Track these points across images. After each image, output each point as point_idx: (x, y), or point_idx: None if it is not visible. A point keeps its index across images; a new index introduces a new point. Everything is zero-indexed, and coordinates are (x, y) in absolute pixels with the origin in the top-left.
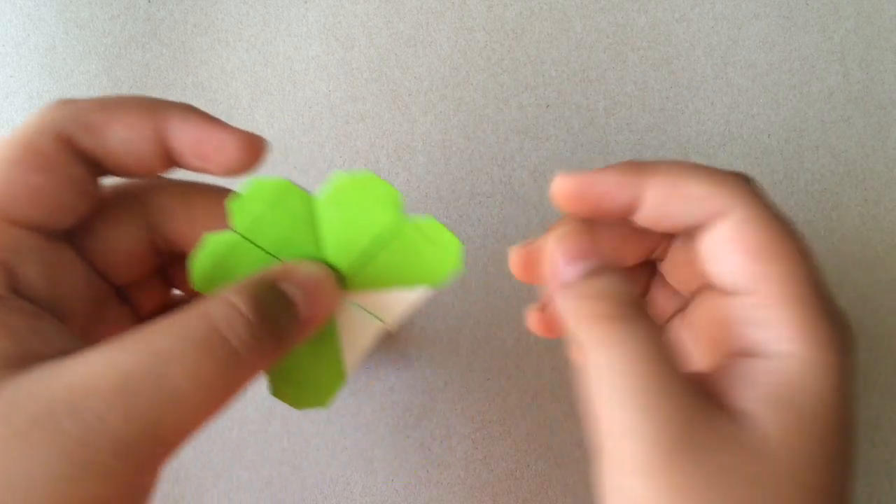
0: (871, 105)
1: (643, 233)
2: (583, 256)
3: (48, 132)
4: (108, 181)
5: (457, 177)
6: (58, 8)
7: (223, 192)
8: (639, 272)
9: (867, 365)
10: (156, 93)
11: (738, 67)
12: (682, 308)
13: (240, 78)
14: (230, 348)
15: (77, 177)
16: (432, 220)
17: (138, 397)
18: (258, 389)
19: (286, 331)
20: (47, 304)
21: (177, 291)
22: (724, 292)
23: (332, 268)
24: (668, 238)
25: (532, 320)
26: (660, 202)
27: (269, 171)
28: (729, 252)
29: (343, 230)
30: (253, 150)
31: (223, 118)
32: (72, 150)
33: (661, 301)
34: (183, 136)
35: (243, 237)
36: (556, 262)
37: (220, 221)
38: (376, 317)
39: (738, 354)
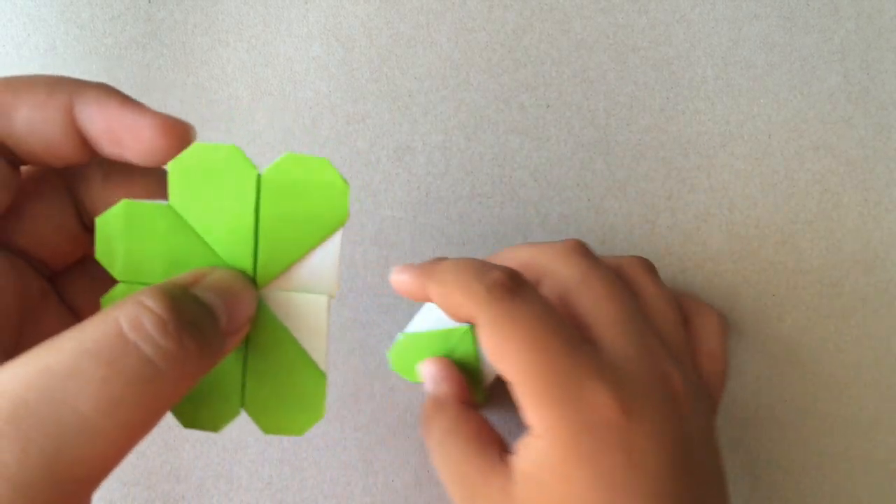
0: (871, 105)
1: None
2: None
3: None
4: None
5: (457, 177)
6: (58, 8)
7: (144, 171)
8: None
9: (867, 365)
10: (156, 93)
11: (739, 68)
12: None
13: (240, 78)
14: (141, 357)
15: None
16: (288, 156)
17: (34, 427)
18: None
19: (208, 338)
20: None
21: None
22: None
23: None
24: None
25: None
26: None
27: None
28: (488, 354)
29: (220, 224)
30: (173, 135)
31: (223, 119)
32: None
33: None
34: (94, 118)
35: (171, 208)
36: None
37: (139, 190)
38: (312, 292)
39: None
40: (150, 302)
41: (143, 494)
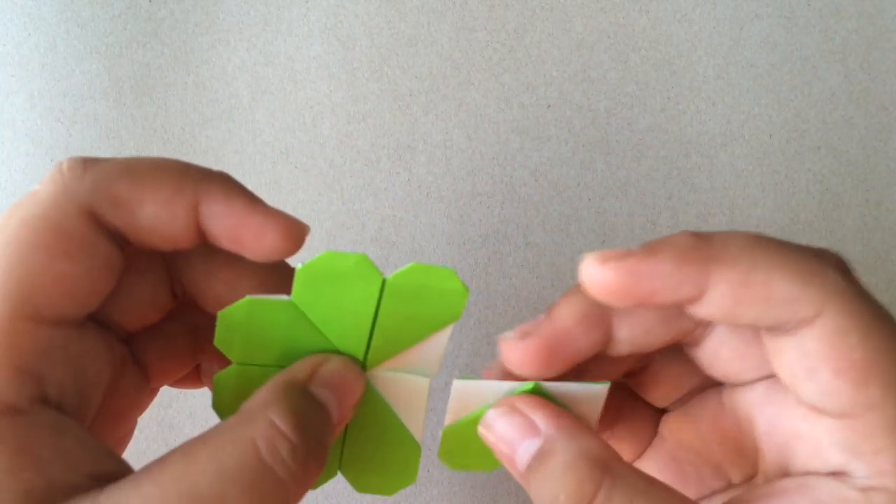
0: (872, 106)
1: (678, 316)
2: (529, 432)
3: (72, 208)
4: None
5: (457, 177)
6: (59, 7)
7: (239, 259)
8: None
9: None
10: (157, 93)
11: (740, 68)
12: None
13: (241, 77)
14: (277, 480)
15: (105, 257)
16: (415, 267)
17: None
18: None
19: (325, 444)
20: (73, 404)
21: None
22: (790, 404)
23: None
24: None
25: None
26: (729, 302)
27: (269, 171)
28: (816, 368)
29: (339, 320)
30: (293, 237)
31: (223, 118)
32: (98, 227)
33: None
34: (220, 219)
35: (297, 308)
36: (500, 446)
37: (240, 277)
38: (416, 373)
39: (797, 474)
40: (282, 424)
41: None
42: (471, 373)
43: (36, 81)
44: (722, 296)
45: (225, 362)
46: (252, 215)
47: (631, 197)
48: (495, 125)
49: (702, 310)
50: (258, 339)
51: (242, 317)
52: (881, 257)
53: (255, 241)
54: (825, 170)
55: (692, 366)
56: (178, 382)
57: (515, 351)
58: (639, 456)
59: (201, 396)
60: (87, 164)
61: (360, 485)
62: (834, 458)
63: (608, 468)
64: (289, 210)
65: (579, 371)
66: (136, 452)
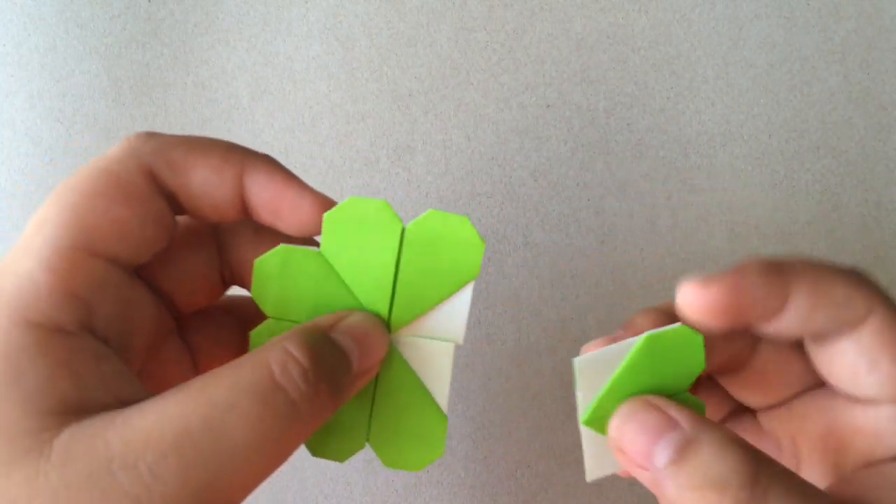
0: (871, 106)
1: (729, 338)
2: (663, 430)
3: (134, 165)
4: None
5: (457, 177)
6: (58, 7)
7: (287, 236)
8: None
9: None
10: (157, 92)
11: (739, 68)
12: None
13: (240, 77)
14: (287, 398)
15: (159, 212)
16: (431, 213)
17: (194, 452)
18: None
19: (341, 383)
20: (116, 342)
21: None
22: (852, 400)
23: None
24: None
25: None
26: (806, 310)
27: None
28: (877, 359)
29: (364, 272)
30: (325, 212)
31: (223, 118)
32: (155, 184)
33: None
34: (262, 189)
35: (321, 255)
36: (634, 450)
37: None
38: (441, 339)
39: (874, 464)
40: (296, 351)
41: None
42: (467, 370)
43: (36, 81)
44: (802, 302)
45: None
46: (290, 188)
47: (630, 197)
48: (494, 125)
49: (782, 321)
50: (290, 292)
51: (276, 265)
52: (881, 257)
53: (290, 213)
54: (824, 170)
55: (798, 366)
56: None
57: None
58: None
59: None
60: (151, 134)
61: (388, 458)
62: None
63: (758, 455)
64: None
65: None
66: None
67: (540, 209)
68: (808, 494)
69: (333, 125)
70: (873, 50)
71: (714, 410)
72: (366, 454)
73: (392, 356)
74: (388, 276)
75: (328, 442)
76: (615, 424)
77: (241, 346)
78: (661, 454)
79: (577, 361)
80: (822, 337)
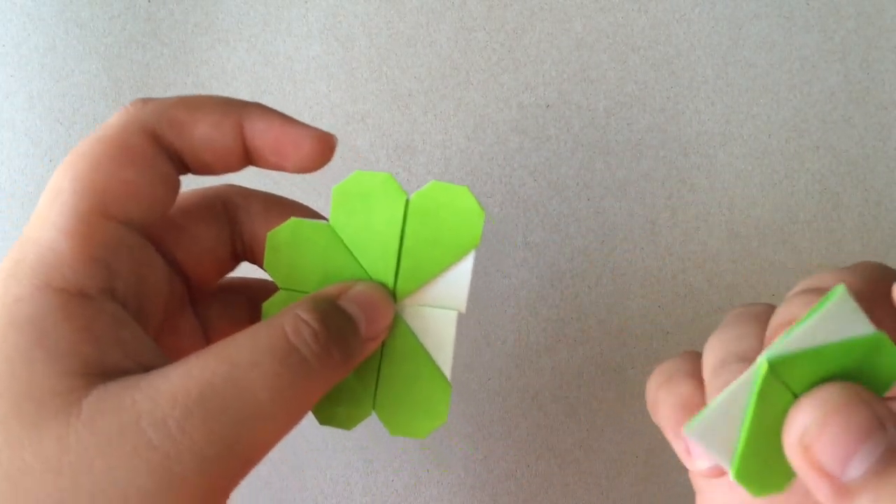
0: (871, 105)
1: None
2: (869, 432)
3: (136, 128)
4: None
5: (457, 177)
6: (58, 8)
7: (302, 207)
8: None
9: None
10: (156, 93)
11: (739, 67)
12: None
13: (240, 78)
14: (301, 357)
15: (165, 171)
16: (434, 184)
17: (220, 408)
18: None
19: (350, 347)
20: (134, 307)
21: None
22: None
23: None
24: None
25: (701, 472)
26: None
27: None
28: None
29: (370, 242)
30: (326, 146)
31: None
32: (159, 145)
33: None
34: (263, 134)
35: (330, 227)
36: (828, 453)
37: None
38: (444, 307)
39: None
40: (306, 315)
41: None
42: (467, 370)
43: (35, 82)
44: None
45: None
46: (290, 127)
47: (630, 197)
48: (494, 125)
49: None
50: (300, 263)
51: (287, 238)
52: (881, 257)
53: (294, 151)
54: (824, 169)
55: None
56: None
57: None
58: None
59: None
60: (146, 99)
61: (393, 426)
62: None
63: None
64: None
65: None
66: None
67: (540, 209)
68: None
69: (333, 125)
70: (873, 49)
71: None
72: (365, 452)
73: (397, 325)
74: (393, 247)
75: (336, 411)
76: (810, 419)
77: (252, 324)
78: (861, 461)
79: (691, 431)
80: None
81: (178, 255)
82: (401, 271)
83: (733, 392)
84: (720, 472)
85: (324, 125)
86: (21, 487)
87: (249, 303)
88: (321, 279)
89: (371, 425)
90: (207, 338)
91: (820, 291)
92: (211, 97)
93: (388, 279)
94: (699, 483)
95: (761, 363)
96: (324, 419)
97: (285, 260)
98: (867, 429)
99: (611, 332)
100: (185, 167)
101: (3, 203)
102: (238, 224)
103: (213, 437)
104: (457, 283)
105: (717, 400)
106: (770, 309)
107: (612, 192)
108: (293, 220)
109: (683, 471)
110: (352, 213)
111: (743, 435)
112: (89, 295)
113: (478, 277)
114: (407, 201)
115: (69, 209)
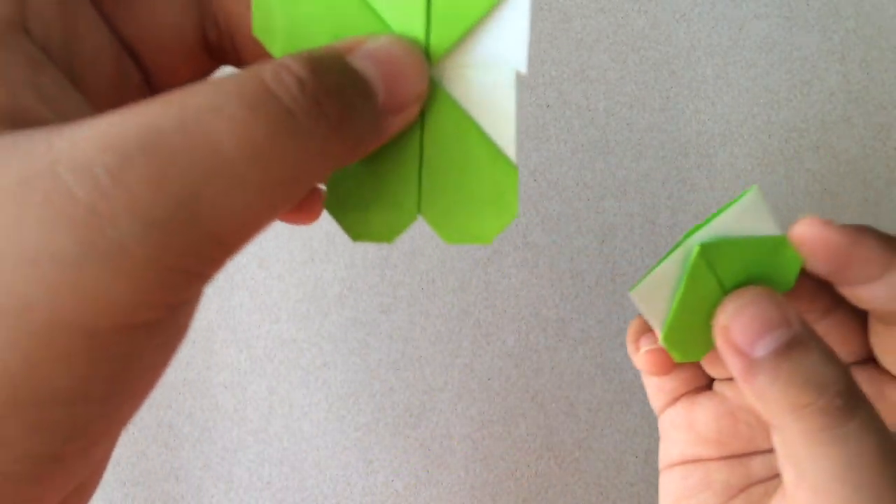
0: (871, 105)
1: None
2: (776, 324)
3: None
4: None
5: None
6: None
7: None
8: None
9: None
10: None
11: (739, 67)
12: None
13: None
14: (281, 106)
15: None
16: None
17: (167, 155)
18: (257, 389)
19: (358, 111)
20: (62, 61)
21: None
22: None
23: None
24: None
25: (644, 360)
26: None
27: None
28: None
29: None
30: None
31: None
32: None
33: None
34: None
35: None
36: (740, 334)
37: None
38: (497, 65)
39: None
40: (293, 63)
41: (142, 494)
42: (467, 370)
43: None
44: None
45: None
46: None
47: (630, 197)
48: None
49: (871, 290)
50: (301, 21)
51: None
52: None
53: None
54: (824, 169)
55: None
56: None
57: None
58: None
59: (201, 397)
60: None
61: (447, 230)
62: None
63: (852, 377)
64: None
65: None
66: (135, 454)
67: (539, 209)
68: (885, 428)
69: None
70: (873, 49)
71: None
72: (365, 452)
73: (437, 97)
74: None
75: (370, 220)
76: (730, 308)
77: None
78: (766, 344)
79: (634, 293)
80: (893, 320)
81: (127, 31)
82: (433, 18)
83: (670, 265)
84: (659, 367)
85: None
86: None
87: None
88: (330, 41)
89: (372, 425)
90: None
91: None
92: None
93: (418, 32)
94: (663, 426)
95: (694, 245)
96: (356, 232)
97: (280, 19)
98: (773, 320)
99: (611, 332)
100: None
101: None
102: (207, 4)
103: (161, 192)
104: (510, 30)
105: (656, 269)
106: None
107: (611, 192)
108: None
109: None
110: None
111: (674, 307)
112: None
113: (478, 277)
114: None
115: None
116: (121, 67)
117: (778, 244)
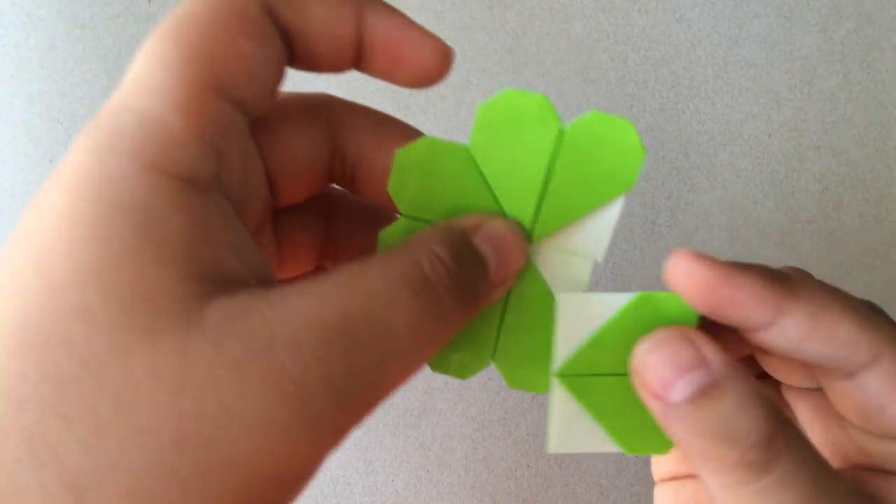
0: (871, 105)
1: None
2: (690, 365)
3: None
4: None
5: None
6: (58, 8)
7: (416, 131)
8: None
9: None
10: None
11: (739, 67)
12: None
13: None
14: (436, 295)
15: (279, 51)
16: (595, 115)
17: (359, 339)
18: None
19: (480, 288)
20: (237, 205)
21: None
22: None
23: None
24: None
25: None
26: (798, 335)
27: None
28: (884, 405)
29: (510, 173)
30: (446, 57)
31: None
32: (272, 20)
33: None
34: (384, 32)
35: (467, 151)
36: (653, 378)
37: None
38: (579, 254)
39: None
40: (441, 250)
41: None
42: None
43: (35, 82)
44: (793, 327)
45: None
46: (413, 29)
47: (630, 197)
48: None
49: (769, 337)
50: (429, 189)
51: (419, 158)
52: (881, 257)
53: (412, 57)
54: (824, 169)
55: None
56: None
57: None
58: None
59: None
60: None
61: (512, 378)
62: None
63: (780, 418)
64: None
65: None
66: None
67: None
68: (821, 472)
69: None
70: (873, 49)
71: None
72: (365, 453)
73: (528, 269)
74: (538, 181)
75: (451, 358)
76: (643, 347)
77: (317, 252)
78: (681, 389)
79: (562, 298)
80: (823, 369)
81: (270, 164)
82: (542, 211)
83: (557, 405)
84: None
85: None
86: (128, 407)
87: (323, 217)
88: (449, 210)
89: (371, 425)
90: (280, 254)
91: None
92: None
93: (526, 218)
94: None
95: (552, 380)
96: (438, 366)
97: (413, 184)
98: (687, 361)
99: None
100: (290, 57)
101: (3, 203)
102: (341, 142)
103: (351, 371)
104: (599, 228)
105: (551, 416)
106: None
107: None
108: (428, 138)
109: None
110: (495, 138)
111: (598, 422)
112: (200, 184)
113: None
114: (561, 131)
115: (178, 79)
116: (267, 193)
117: (642, 304)
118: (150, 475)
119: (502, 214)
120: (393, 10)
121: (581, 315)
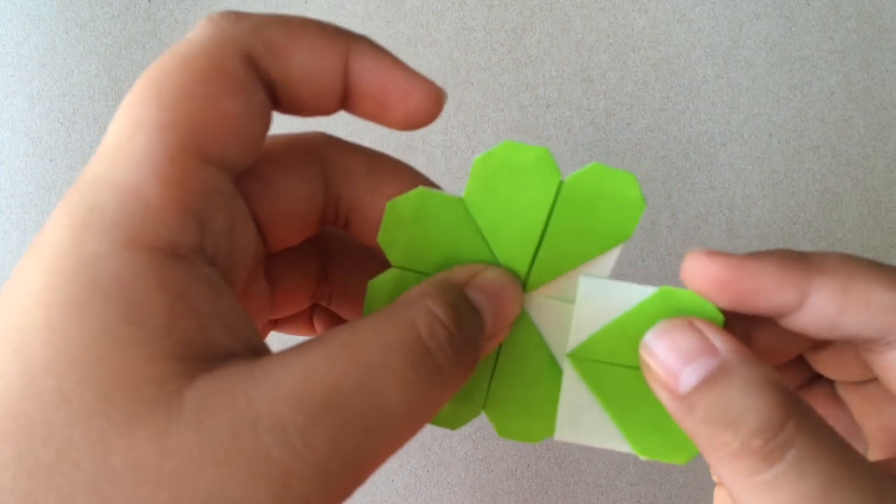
0: (871, 105)
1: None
2: (699, 352)
3: (231, 48)
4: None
5: (457, 176)
6: (58, 8)
7: (411, 171)
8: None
9: None
10: None
11: (739, 67)
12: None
13: None
14: (434, 362)
15: (263, 103)
16: (596, 167)
17: (348, 415)
18: None
19: (476, 348)
20: (223, 269)
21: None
22: None
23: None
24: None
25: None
26: (832, 310)
27: None
28: None
29: (507, 225)
30: (436, 101)
31: None
32: (254, 72)
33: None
34: (370, 73)
35: (462, 203)
36: (661, 368)
37: (402, 190)
38: (573, 302)
39: None
40: (440, 312)
41: None
42: None
43: (35, 82)
44: (825, 303)
45: (343, 311)
46: (400, 72)
47: None
48: (494, 125)
49: (803, 318)
50: (421, 241)
51: (411, 209)
52: (881, 257)
53: (400, 100)
54: (824, 169)
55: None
56: (289, 323)
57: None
58: None
59: None
60: (239, 14)
61: (503, 428)
62: None
63: (794, 402)
64: None
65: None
66: None
67: None
68: (842, 460)
69: (333, 125)
70: (873, 49)
71: (790, 378)
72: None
73: (521, 318)
74: (535, 233)
75: (443, 408)
76: (649, 337)
77: (311, 293)
78: (688, 378)
79: (584, 282)
80: (866, 343)
81: (260, 214)
82: (538, 262)
83: (566, 392)
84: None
85: (323, 125)
86: (107, 500)
87: (316, 258)
88: (442, 261)
89: None
90: (273, 298)
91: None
92: (315, 21)
93: (521, 268)
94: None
95: (564, 358)
96: None
97: (405, 235)
98: (694, 351)
99: None
100: (274, 102)
101: (3, 203)
102: (334, 185)
103: (338, 451)
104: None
105: (560, 402)
106: None
107: None
108: (421, 190)
109: (683, 471)
110: (492, 190)
111: (610, 415)
112: (182, 255)
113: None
114: (560, 183)
115: (157, 146)
116: (257, 245)
117: (664, 298)
118: None
119: (497, 265)
120: (380, 53)
121: (601, 302)
